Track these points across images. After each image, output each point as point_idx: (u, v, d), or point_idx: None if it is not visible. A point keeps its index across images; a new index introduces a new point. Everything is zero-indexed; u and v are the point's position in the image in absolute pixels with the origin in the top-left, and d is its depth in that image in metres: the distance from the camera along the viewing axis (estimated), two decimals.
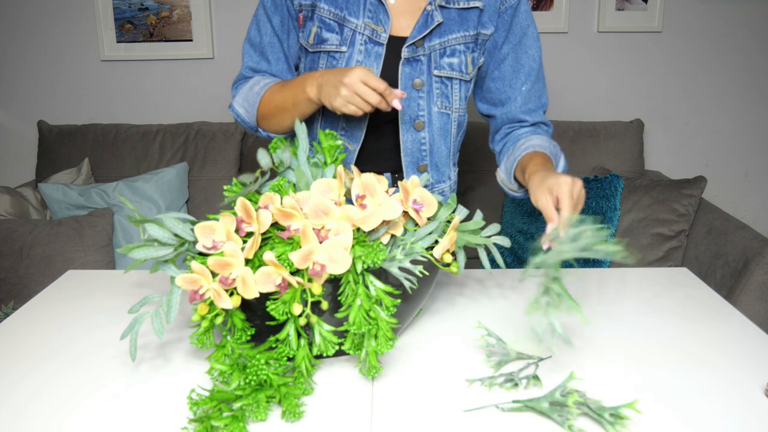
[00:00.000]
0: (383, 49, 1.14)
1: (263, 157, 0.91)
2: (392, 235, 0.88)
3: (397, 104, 1.03)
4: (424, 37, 1.14)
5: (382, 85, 1.00)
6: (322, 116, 1.22)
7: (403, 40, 1.15)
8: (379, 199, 0.85)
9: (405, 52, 1.14)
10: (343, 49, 1.14)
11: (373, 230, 0.85)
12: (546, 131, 1.23)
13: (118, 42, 2.34)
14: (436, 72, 1.16)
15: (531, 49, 1.20)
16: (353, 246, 0.82)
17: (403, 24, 1.15)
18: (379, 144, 1.21)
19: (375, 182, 0.85)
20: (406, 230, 0.89)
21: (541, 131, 1.21)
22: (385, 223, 0.85)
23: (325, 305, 0.82)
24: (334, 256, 0.79)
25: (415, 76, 1.16)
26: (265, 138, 1.22)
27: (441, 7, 1.14)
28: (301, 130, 0.97)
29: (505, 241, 0.96)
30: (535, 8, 2.31)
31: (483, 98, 1.26)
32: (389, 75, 1.15)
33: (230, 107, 1.23)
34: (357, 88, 1.00)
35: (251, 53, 1.22)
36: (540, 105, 1.23)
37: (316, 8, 1.15)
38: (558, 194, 0.90)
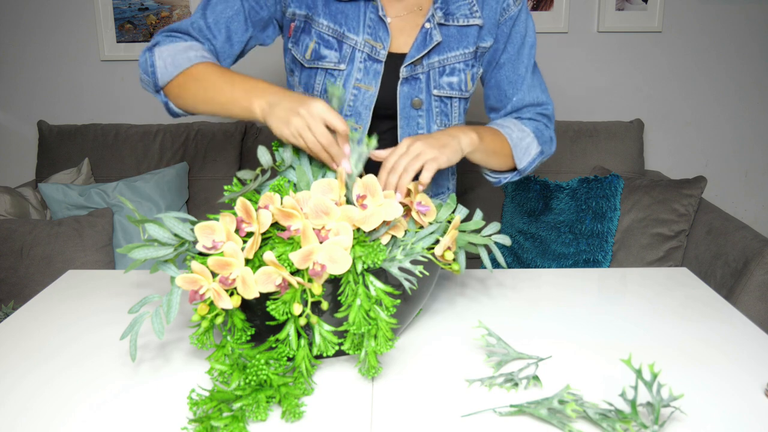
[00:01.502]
0: (382, 67, 1.12)
1: (263, 155, 0.91)
2: (392, 236, 0.88)
3: (346, 165, 0.91)
4: (422, 56, 1.12)
5: (342, 126, 0.90)
6: None
7: (400, 56, 1.12)
8: (379, 199, 0.85)
9: (403, 72, 1.12)
10: (342, 66, 1.11)
11: (374, 230, 0.85)
12: (529, 122, 1.20)
13: (118, 42, 2.33)
14: (435, 92, 1.14)
15: (527, 59, 1.19)
16: (353, 246, 0.82)
17: (401, 41, 1.13)
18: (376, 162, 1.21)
19: (376, 182, 0.85)
20: (406, 231, 0.89)
21: (524, 120, 1.19)
22: (385, 223, 0.85)
23: (325, 305, 0.82)
24: (334, 256, 0.79)
25: (414, 95, 1.14)
26: (162, 103, 1.09)
27: (440, 24, 1.12)
28: None
29: (506, 240, 0.96)
30: (534, 8, 2.31)
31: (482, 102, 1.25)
32: (387, 92, 1.13)
33: (146, 50, 1.06)
34: (313, 122, 0.90)
35: (207, 16, 1.09)
36: (536, 105, 1.22)
37: (312, 22, 1.11)
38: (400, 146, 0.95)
